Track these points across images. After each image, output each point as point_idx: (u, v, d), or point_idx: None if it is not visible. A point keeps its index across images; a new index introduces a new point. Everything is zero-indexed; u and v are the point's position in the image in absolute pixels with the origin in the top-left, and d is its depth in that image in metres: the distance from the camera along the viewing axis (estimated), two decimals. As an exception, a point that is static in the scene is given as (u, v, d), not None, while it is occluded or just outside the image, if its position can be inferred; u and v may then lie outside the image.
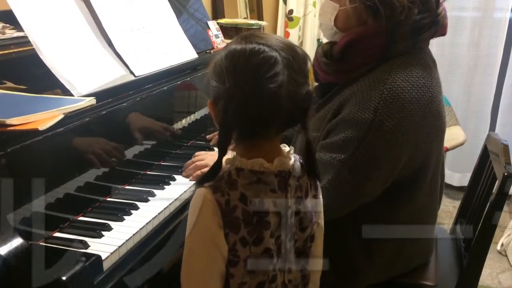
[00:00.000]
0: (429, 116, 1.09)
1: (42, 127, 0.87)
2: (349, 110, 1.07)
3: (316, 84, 1.29)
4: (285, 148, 0.87)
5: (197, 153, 1.34)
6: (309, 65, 0.83)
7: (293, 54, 0.79)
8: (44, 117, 0.90)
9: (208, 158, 1.28)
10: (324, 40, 2.89)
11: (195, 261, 0.83)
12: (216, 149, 1.44)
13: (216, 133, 1.47)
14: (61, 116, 0.93)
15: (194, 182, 1.26)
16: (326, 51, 1.18)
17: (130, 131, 1.26)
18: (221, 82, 0.79)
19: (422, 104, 1.07)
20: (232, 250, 0.82)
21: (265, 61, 0.76)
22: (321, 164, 1.07)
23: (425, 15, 1.09)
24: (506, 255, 2.34)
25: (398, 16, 1.06)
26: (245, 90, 0.77)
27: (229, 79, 0.77)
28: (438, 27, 1.13)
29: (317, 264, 0.96)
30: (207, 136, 1.50)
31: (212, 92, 0.83)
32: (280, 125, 0.83)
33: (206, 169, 0.91)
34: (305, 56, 0.82)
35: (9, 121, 0.84)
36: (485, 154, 1.46)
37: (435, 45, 2.69)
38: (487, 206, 1.23)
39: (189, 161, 1.31)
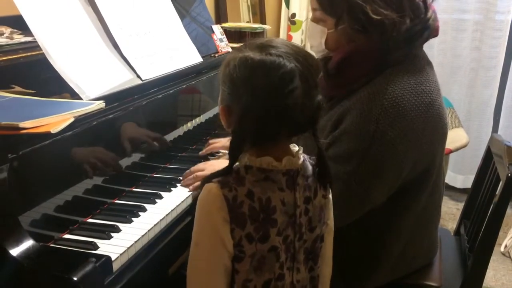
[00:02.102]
0: (430, 121, 1.10)
1: (54, 130, 0.88)
2: (350, 122, 1.07)
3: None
4: (295, 147, 0.88)
5: (197, 165, 1.31)
6: (320, 74, 0.84)
7: (308, 65, 0.80)
8: (56, 120, 0.91)
9: (208, 168, 1.25)
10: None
11: (201, 254, 0.84)
12: (215, 157, 1.45)
13: (208, 147, 1.46)
14: (72, 120, 0.95)
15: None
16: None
17: (137, 133, 1.27)
18: (237, 92, 0.80)
19: (422, 110, 1.07)
20: (237, 246, 0.83)
21: (284, 76, 0.77)
22: None
23: (416, 21, 1.09)
24: (509, 257, 2.34)
25: (390, 32, 1.06)
26: (263, 105, 0.78)
27: (247, 91, 0.78)
28: (430, 31, 1.13)
29: (327, 266, 0.97)
30: (200, 153, 1.46)
31: (224, 98, 0.84)
32: (290, 133, 0.85)
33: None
34: (318, 66, 0.83)
35: (22, 124, 0.85)
36: (488, 156, 1.46)
37: (437, 47, 2.70)
38: (491, 207, 1.24)
39: (188, 171, 1.29)
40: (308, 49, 2.84)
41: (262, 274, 0.84)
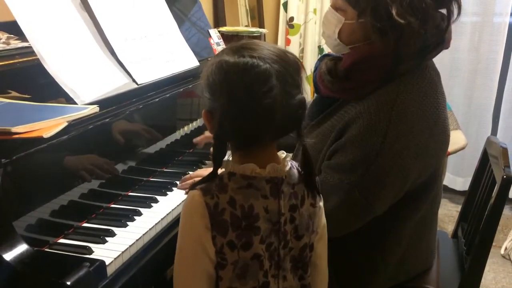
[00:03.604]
0: (435, 134, 1.09)
1: (46, 134, 0.88)
2: (356, 132, 1.06)
3: (316, 95, 1.29)
4: (282, 154, 0.88)
5: (198, 171, 1.32)
6: (302, 73, 0.83)
7: (286, 65, 0.79)
8: (49, 125, 0.92)
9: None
10: (325, 48, 2.89)
11: (183, 261, 0.85)
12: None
13: (203, 136, 1.46)
14: (65, 124, 0.95)
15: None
16: (330, 69, 1.16)
17: (133, 138, 1.28)
18: (215, 96, 0.80)
19: (430, 122, 1.07)
20: (219, 253, 0.83)
21: (258, 76, 0.77)
22: (329, 186, 1.07)
23: (433, 32, 1.06)
24: (510, 259, 2.33)
25: (407, 40, 1.03)
26: (239, 106, 0.77)
27: (223, 95, 0.78)
28: (444, 44, 1.12)
29: (320, 274, 0.96)
30: (194, 140, 1.47)
31: (206, 103, 0.84)
32: (274, 134, 0.84)
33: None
34: (297, 65, 0.82)
35: (14, 129, 0.86)
36: (485, 158, 1.47)
37: (435, 50, 2.70)
38: (487, 210, 1.24)
39: (188, 176, 1.29)
40: (307, 53, 2.85)
41: (246, 282, 0.84)
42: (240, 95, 0.77)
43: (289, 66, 0.80)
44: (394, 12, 1.00)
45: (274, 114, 0.77)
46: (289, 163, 0.87)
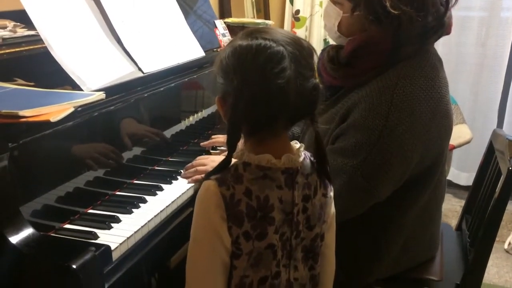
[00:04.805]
0: (438, 116, 1.09)
1: (53, 118, 0.89)
2: (359, 115, 1.07)
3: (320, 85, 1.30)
4: (296, 145, 0.87)
5: (199, 157, 1.32)
6: (315, 58, 0.83)
7: (299, 48, 0.80)
8: (56, 110, 0.92)
9: (209, 163, 1.26)
10: (331, 41, 2.89)
11: (199, 251, 0.84)
12: (217, 151, 1.45)
13: (211, 140, 1.47)
14: (72, 109, 0.95)
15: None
16: (332, 57, 1.17)
17: (139, 126, 1.28)
18: (229, 80, 0.80)
19: (431, 105, 1.07)
20: (235, 243, 0.82)
21: (272, 57, 0.77)
22: (333, 170, 1.06)
23: (433, 16, 1.08)
24: (513, 254, 2.33)
25: (405, 26, 1.05)
26: (253, 87, 0.77)
27: (237, 77, 0.78)
28: (444, 29, 1.13)
29: (329, 264, 0.96)
30: (201, 144, 1.47)
31: (219, 89, 0.83)
32: (288, 120, 0.83)
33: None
34: (310, 49, 0.82)
35: (21, 113, 0.86)
36: (490, 151, 1.46)
37: (442, 45, 2.69)
38: (492, 201, 1.24)
39: (190, 164, 1.29)
40: (312, 44, 2.84)
41: (259, 270, 0.84)
42: (254, 77, 0.77)
43: (303, 49, 0.80)
44: (388, 4, 1.02)
45: (287, 96, 0.77)
46: (303, 153, 0.87)
